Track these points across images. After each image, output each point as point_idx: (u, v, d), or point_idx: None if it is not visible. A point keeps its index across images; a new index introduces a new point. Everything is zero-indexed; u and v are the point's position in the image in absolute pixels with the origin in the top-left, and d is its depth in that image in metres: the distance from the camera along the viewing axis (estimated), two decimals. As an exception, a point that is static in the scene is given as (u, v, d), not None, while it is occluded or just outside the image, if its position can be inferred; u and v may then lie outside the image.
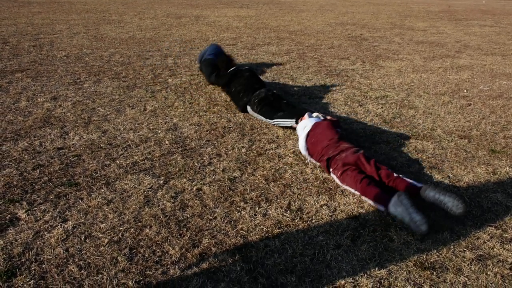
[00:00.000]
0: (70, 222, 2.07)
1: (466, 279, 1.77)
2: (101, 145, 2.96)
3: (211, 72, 4.44)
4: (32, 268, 1.76)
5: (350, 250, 1.94)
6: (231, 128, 3.36)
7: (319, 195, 2.40)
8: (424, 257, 1.90)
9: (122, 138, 3.09)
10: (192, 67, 5.32)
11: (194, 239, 1.98)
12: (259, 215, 2.19)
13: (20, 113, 3.52)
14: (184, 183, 2.48)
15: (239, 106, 3.74)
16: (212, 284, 1.70)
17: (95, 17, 9.91)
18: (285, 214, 2.21)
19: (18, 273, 1.73)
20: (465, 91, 4.64)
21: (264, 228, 2.08)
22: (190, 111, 3.72)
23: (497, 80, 5.17)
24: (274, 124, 3.38)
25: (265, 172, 2.66)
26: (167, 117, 3.54)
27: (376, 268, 1.82)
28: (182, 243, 1.95)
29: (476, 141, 3.24)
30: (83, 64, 5.27)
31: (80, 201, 2.26)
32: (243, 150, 2.96)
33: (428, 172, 2.71)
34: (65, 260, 1.81)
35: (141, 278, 1.72)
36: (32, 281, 1.69)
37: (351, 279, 1.75)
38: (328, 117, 3.07)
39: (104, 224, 2.07)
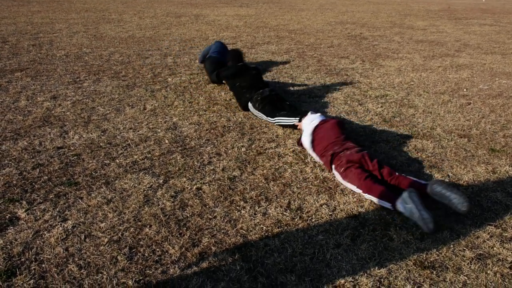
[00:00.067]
0: (69, 222, 2.07)
1: (466, 278, 1.78)
2: (101, 144, 2.95)
3: (214, 70, 4.44)
4: (32, 268, 1.76)
5: (350, 249, 1.94)
6: (231, 127, 3.36)
7: (318, 194, 2.40)
8: (424, 256, 1.90)
9: (121, 137, 3.08)
10: (192, 66, 5.32)
11: (194, 238, 1.98)
12: (259, 214, 2.19)
13: (19, 112, 3.51)
14: (184, 182, 2.48)
15: (241, 103, 3.75)
16: (212, 283, 1.70)
17: (94, 16, 9.89)
18: (284, 213, 2.21)
19: (18, 272, 1.73)
20: (464, 90, 4.63)
21: (264, 227, 2.08)
22: (190, 110, 3.72)
23: (496, 79, 5.16)
24: (275, 123, 3.38)
25: (264, 171, 2.66)
26: (166, 116, 3.53)
27: (376, 267, 1.82)
28: (182, 242, 1.95)
29: (476, 140, 3.24)
30: (83, 63, 5.26)
31: (80, 200, 2.26)
32: (243, 149, 2.96)
33: (428, 171, 2.71)
34: (65, 259, 1.81)
35: (141, 278, 1.72)
36: (32, 280, 1.69)
37: (351, 278, 1.76)
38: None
39: (103, 224, 2.07)
